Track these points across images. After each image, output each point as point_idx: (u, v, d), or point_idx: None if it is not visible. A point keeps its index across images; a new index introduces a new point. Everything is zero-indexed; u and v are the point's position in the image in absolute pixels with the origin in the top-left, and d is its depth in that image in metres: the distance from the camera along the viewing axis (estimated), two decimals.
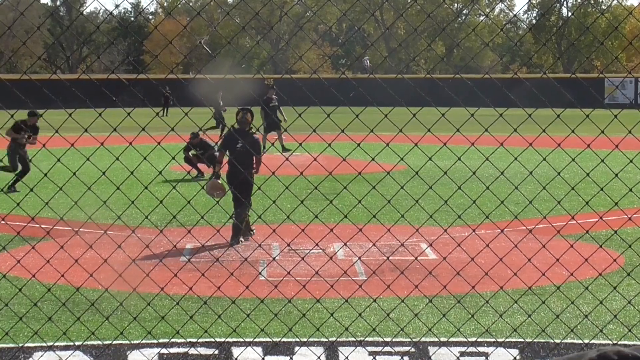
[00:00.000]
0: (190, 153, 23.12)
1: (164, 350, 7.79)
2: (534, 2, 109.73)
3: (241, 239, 13.69)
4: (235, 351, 7.82)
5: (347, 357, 7.43)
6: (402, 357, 7.63)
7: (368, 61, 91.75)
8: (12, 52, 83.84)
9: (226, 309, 9.17)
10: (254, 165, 13.76)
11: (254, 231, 14.07)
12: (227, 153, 13.71)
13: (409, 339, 8.14)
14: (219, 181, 13.85)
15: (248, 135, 13.78)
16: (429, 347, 7.94)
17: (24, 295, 9.29)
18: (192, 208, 12.32)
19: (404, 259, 11.64)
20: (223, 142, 14.12)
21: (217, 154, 14.90)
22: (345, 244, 9.65)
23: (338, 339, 8.17)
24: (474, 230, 10.94)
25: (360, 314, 8.33)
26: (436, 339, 8.09)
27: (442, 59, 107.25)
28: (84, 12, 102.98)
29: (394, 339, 8.08)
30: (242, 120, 13.88)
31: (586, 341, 8.01)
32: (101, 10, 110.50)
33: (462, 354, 7.68)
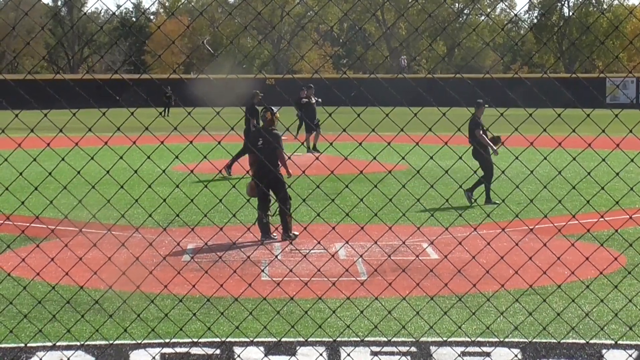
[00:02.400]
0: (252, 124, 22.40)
1: (166, 349, 7.82)
2: (535, 1, 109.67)
3: (276, 235, 13.98)
4: (238, 350, 7.86)
5: (349, 354, 7.46)
6: (403, 356, 7.66)
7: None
8: (14, 53, 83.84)
9: (228, 308, 9.20)
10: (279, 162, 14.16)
11: (274, 235, 14.15)
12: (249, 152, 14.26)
13: (411, 338, 8.17)
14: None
15: (268, 133, 14.05)
16: (430, 346, 7.97)
17: (27, 294, 9.33)
18: (194, 207, 12.35)
19: (405, 259, 11.67)
20: (249, 142, 14.40)
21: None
22: (346, 243, 9.67)
23: (340, 338, 8.20)
24: (475, 229, 10.99)
25: (362, 312, 8.36)
26: (438, 338, 8.12)
27: (442, 58, 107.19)
28: (86, 13, 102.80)
29: (395, 338, 8.11)
30: (263, 118, 14.36)
31: (588, 340, 8.04)
32: (102, 11, 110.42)
33: (464, 353, 7.71)
